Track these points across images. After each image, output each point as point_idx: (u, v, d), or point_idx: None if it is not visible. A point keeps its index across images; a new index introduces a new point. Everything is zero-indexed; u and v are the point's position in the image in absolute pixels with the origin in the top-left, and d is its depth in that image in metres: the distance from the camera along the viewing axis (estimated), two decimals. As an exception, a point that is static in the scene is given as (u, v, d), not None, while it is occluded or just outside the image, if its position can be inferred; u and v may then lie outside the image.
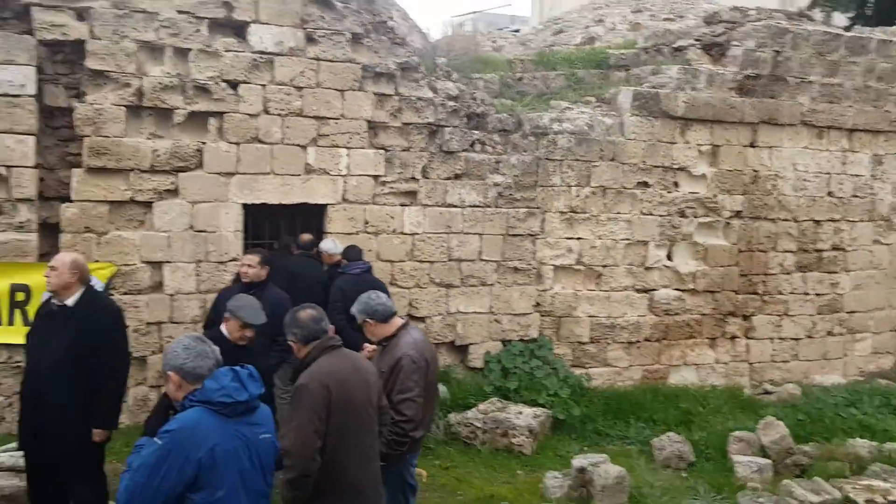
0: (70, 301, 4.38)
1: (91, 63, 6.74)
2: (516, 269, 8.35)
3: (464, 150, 8.11)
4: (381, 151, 7.79)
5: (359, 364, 3.66)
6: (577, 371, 8.40)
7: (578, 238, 8.61)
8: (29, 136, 6.59)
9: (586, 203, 8.60)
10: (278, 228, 7.77)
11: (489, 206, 8.20)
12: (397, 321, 4.32)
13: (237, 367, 2.92)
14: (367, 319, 4.23)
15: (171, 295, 7.14)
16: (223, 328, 4.64)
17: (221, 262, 7.21)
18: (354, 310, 4.33)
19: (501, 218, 8.25)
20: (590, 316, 8.67)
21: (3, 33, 6.52)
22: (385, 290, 6.65)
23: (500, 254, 8.28)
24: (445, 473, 6.16)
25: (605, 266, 8.71)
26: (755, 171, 9.33)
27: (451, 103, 8.05)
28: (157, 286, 7.12)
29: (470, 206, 8.13)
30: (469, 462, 6.50)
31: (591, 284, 8.70)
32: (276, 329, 5.28)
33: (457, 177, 8.08)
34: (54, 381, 4.25)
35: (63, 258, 4.45)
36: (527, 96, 9.31)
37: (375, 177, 7.79)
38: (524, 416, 6.95)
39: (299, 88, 7.43)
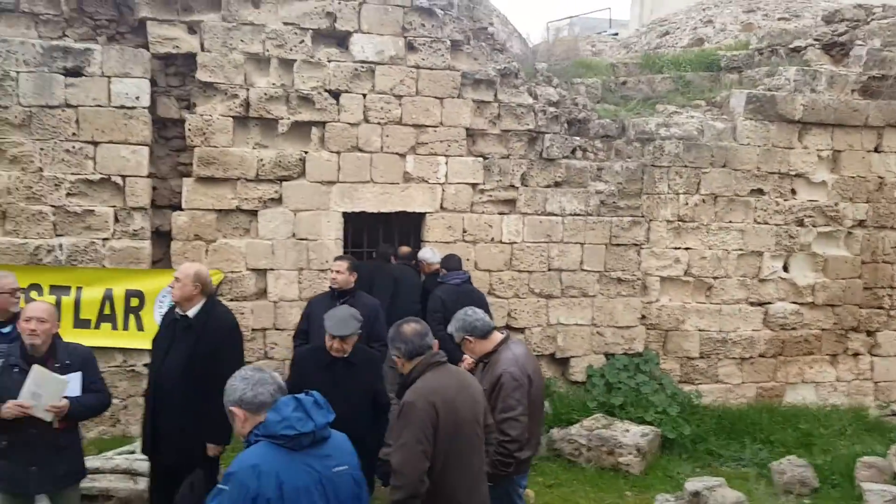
0: (191, 312, 4.37)
1: (201, 75, 6.94)
2: (620, 280, 8.02)
3: (564, 157, 7.87)
4: (480, 159, 7.66)
5: (465, 381, 3.50)
6: (686, 387, 7.99)
7: (687, 248, 8.20)
8: (143, 147, 6.83)
9: (695, 211, 8.19)
10: (377, 237, 7.77)
11: (591, 215, 7.92)
12: (497, 336, 4.12)
13: (300, 396, 2.68)
14: (467, 337, 4.03)
15: (275, 302, 7.25)
16: None
17: (322, 270, 7.25)
18: (452, 328, 4.11)
19: (604, 227, 7.96)
20: (699, 330, 8.24)
21: (120, 47, 6.80)
22: (484, 301, 6.53)
23: (603, 264, 7.98)
24: (549, 492, 5.92)
25: (715, 278, 8.27)
26: (880, 177, 8.64)
27: (552, 109, 7.83)
28: (262, 293, 7.25)
29: (571, 215, 7.88)
30: (573, 480, 6.25)
31: (701, 297, 8.27)
32: (369, 335, 5.25)
33: (557, 184, 7.85)
34: (171, 390, 4.27)
35: (187, 270, 4.41)
36: (631, 101, 8.96)
37: (474, 185, 7.66)
38: (632, 433, 6.63)
39: (399, 97, 7.40)
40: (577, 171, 7.90)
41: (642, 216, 8.06)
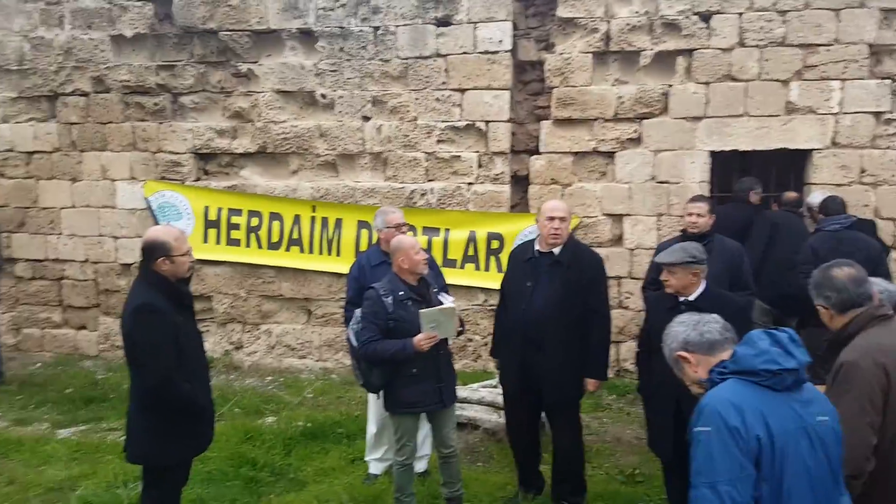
0: (555, 249, 4.26)
1: (562, 11, 6.70)
2: None
3: None
4: (887, 82, 6.30)
5: (918, 341, 2.70)
6: None
7: None
8: (504, 91, 6.85)
9: None
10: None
11: None
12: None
13: (773, 330, 2.28)
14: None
15: (631, 249, 6.86)
16: None
17: (683, 217, 6.63)
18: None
19: None
20: None
21: (490, -9, 6.83)
22: (875, 253, 5.37)
23: None
24: None
25: None
26: None
27: None
28: (617, 239, 6.90)
29: None
30: None
31: None
32: (732, 282, 4.55)
33: None
34: (546, 326, 4.16)
35: (564, 208, 4.32)
36: None
37: (877, 113, 6.35)
38: None
39: (782, 13, 6.38)
40: None
41: None
